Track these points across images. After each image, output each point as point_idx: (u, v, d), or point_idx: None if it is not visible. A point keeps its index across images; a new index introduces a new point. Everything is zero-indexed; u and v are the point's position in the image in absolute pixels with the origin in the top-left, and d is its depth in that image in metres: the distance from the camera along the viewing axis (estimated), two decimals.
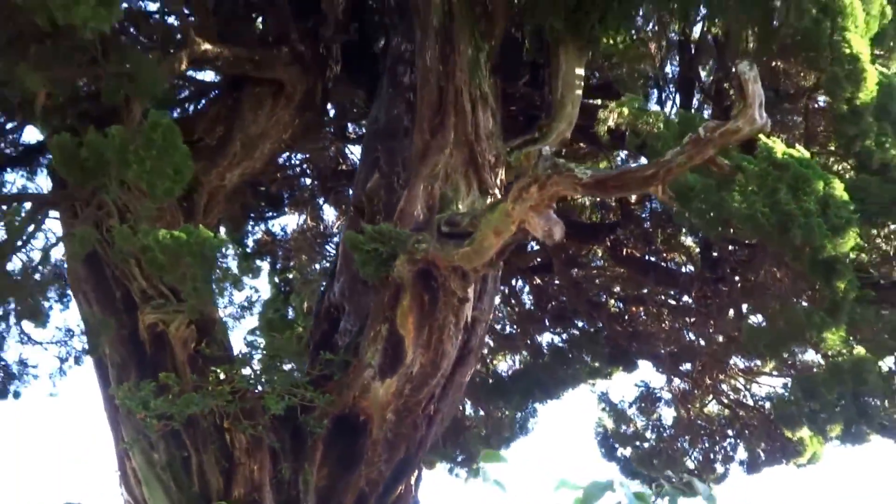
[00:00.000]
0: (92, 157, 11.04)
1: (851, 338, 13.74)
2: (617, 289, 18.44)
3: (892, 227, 14.18)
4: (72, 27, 9.75)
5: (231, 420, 11.68)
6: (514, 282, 19.20)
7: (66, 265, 13.64)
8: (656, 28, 15.15)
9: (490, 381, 18.81)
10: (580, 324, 18.54)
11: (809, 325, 13.12)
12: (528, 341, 19.18)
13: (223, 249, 11.24)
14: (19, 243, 12.94)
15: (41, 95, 11.34)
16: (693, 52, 15.21)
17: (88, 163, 11.11)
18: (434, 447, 16.90)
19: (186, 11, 13.80)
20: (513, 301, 19.63)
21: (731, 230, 12.91)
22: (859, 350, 13.71)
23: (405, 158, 13.34)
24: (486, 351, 19.34)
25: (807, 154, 12.55)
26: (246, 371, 12.21)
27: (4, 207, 13.14)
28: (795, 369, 15.02)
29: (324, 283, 15.41)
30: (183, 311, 11.87)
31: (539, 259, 18.28)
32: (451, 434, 18.03)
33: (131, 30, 13.43)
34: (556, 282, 18.49)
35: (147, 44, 13.13)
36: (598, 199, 14.74)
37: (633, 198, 15.94)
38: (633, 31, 14.42)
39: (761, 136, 12.52)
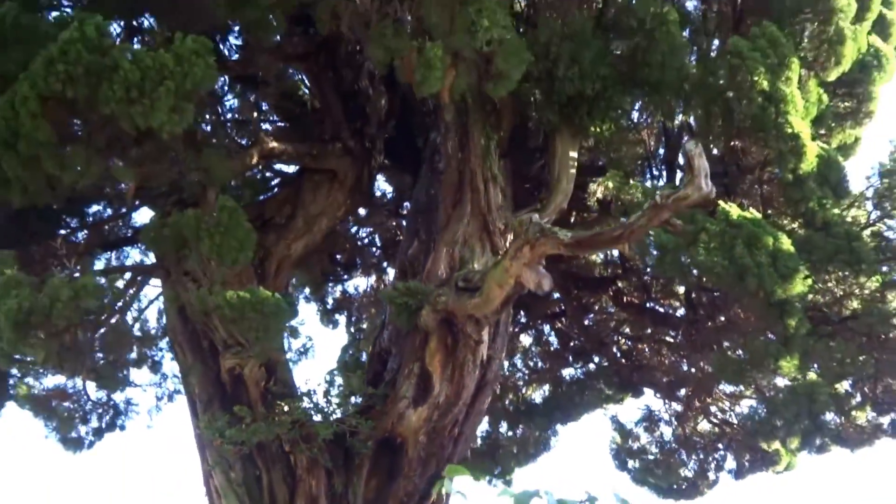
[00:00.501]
0: (174, 234, 11.54)
1: (807, 366, 13.91)
2: (625, 329, 18.52)
3: (840, 273, 14.17)
4: (153, 130, 10.21)
5: (292, 444, 12.16)
6: (541, 326, 19.41)
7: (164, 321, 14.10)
8: (644, 117, 15.32)
9: (521, 407, 18.99)
10: (596, 359, 18.71)
11: (767, 356, 13.33)
12: (554, 374, 19.32)
13: (281, 306, 11.58)
14: (121, 304, 13.45)
15: (132, 188, 11.83)
16: (675, 134, 15.38)
17: (172, 239, 11.61)
18: (474, 463, 17.26)
19: (256, 114, 14.02)
20: (541, 342, 19.83)
21: (700, 279, 13.21)
22: (811, 376, 13.83)
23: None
24: (520, 382, 19.64)
25: (759, 215, 12.83)
26: (305, 404, 12.63)
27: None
28: (768, 392, 15.05)
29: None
30: (254, 356, 12.18)
31: (560, 307, 18.53)
32: (489, 452, 18.31)
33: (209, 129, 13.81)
34: (574, 325, 18.68)
35: (224, 142, 13.44)
36: (585, 254, 14.72)
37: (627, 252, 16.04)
38: (621, 121, 14.43)
39: (720, 201, 12.90)
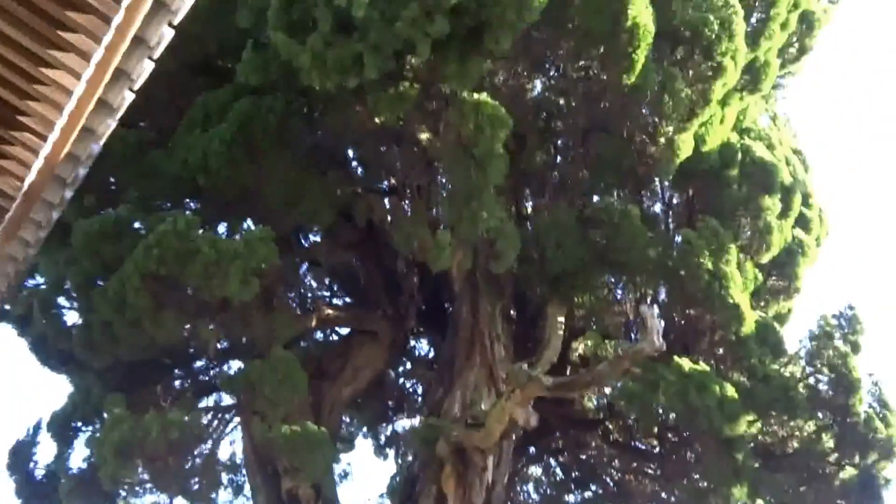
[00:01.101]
0: (245, 380, 12.00)
1: (756, 494, 13.90)
2: (614, 463, 18.31)
3: (781, 417, 14.20)
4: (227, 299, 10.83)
5: None
6: (548, 459, 19.23)
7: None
8: (620, 291, 15.55)
9: None
10: (592, 487, 18.48)
11: (721, 485, 13.41)
12: (560, 500, 19.03)
13: (324, 439, 11.88)
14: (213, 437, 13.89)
15: (213, 344, 12.37)
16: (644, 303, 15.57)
17: (244, 384, 12.06)
18: None
19: (314, 284, 14.47)
20: (549, 472, 19.63)
21: (661, 419, 13.39)
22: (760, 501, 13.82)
23: None
24: None
25: (707, 368, 13.09)
26: None
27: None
28: None
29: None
30: (306, 479, 12.38)
31: (560, 444, 18.47)
32: None
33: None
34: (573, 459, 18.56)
35: (288, 308, 13.81)
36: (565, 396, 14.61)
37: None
38: (599, 293, 14.72)
39: (675, 356, 13.20)
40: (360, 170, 12.66)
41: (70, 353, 12.58)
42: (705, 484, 14.43)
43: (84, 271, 11.58)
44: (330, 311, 14.24)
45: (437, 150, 11.72)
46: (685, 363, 12.90)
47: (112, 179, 12.09)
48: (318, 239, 13.90)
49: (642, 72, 11.41)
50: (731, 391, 12.76)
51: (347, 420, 18.49)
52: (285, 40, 10.07)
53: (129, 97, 6.31)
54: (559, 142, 14.41)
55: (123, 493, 13.34)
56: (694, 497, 14.48)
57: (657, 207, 15.21)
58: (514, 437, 13.62)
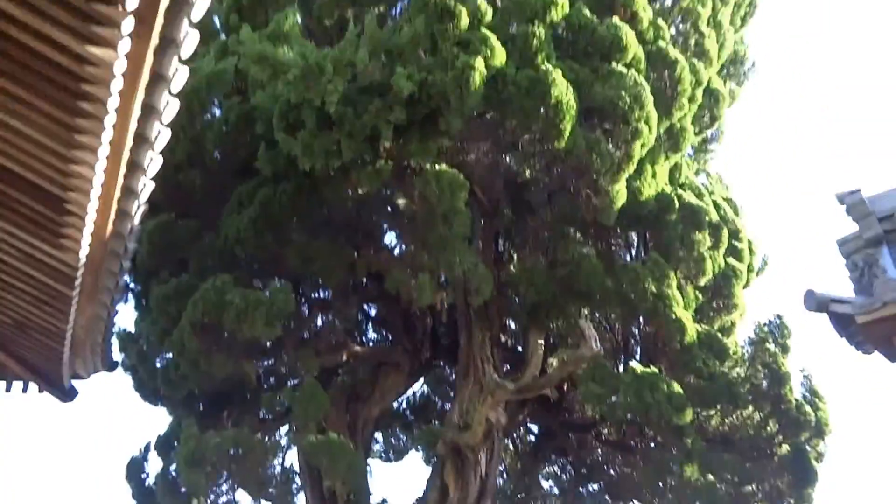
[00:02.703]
0: (282, 403, 12.26)
1: (707, 472, 13.48)
2: (611, 458, 17.72)
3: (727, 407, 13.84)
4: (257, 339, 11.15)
5: None
6: (558, 459, 18.64)
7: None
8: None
9: None
10: (600, 481, 17.86)
11: (675, 464, 13.06)
12: (574, 489, 18.29)
13: (346, 447, 11.99)
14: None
15: (253, 378, 12.63)
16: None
17: (282, 407, 12.32)
18: None
19: (343, 325, 14.52)
20: (564, 469, 18.96)
21: (621, 414, 13.09)
22: (710, 478, 13.36)
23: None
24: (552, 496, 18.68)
25: (655, 370, 12.87)
26: None
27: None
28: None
29: None
30: (337, 478, 12.34)
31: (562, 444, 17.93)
32: None
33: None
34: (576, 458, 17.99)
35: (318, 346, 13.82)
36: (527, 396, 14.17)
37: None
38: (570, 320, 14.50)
39: (630, 363, 13.02)
40: (357, 234, 12.78)
41: (160, 390, 13.08)
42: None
43: (159, 325, 12.09)
44: (358, 348, 14.38)
45: (412, 212, 11.95)
46: (638, 367, 12.80)
47: (180, 256, 12.55)
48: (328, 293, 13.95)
49: (571, 139, 11.52)
50: (677, 388, 12.58)
51: (403, 437, 18.29)
52: (283, 137, 10.59)
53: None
54: (530, 202, 14.49)
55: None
56: (653, 477, 14.12)
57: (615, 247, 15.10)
58: (500, 437, 13.50)
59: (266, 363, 13.29)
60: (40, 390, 9.71)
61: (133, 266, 12.54)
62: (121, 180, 6.42)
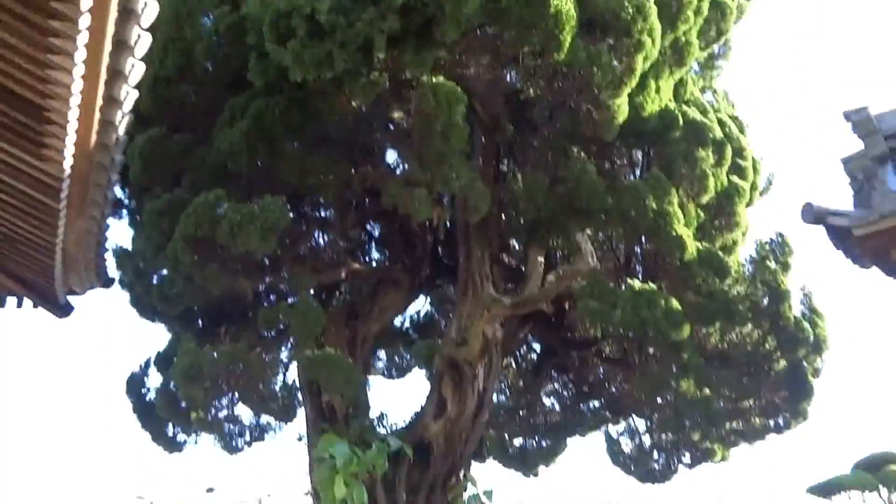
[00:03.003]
0: (284, 318, 12.34)
1: (702, 386, 13.66)
2: (611, 375, 17.89)
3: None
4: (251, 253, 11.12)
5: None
6: (560, 377, 18.85)
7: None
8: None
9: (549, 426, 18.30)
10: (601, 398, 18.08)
11: (672, 379, 13.21)
12: (575, 406, 18.54)
13: (342, 361, 12.10)
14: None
15: (249, 294, 12.67)
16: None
17: (274, 322, 12.40)
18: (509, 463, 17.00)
19: (342, 243, 14.45)
20: (566, 387, 19.17)
21: (620, 329, 13.15)
22: (706, 392, 13.55)
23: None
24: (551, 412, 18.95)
25: (654, 287, 12.88)
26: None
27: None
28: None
29: None
30: (335, 391, 12.58)
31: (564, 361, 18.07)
32: (519, 457, 17.77)
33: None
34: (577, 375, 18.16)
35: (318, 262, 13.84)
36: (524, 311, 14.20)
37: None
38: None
39: (629, 279, 13.02)
40: (355, 150, 12.61)
41: (157, 306, 13.15)
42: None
43: (153, 241, 12.07)
44: (357, 266, 14.39)
45: (410, 127, 11.77)
46: (637, 284, 12.79)
47: (173, 171, 12.43)
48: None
49: (571, 51, 11.23)
50: (675, 304, 12.61)
51: (406, 355, 18.31)
52: (274, 47, 10.34)
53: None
54: (532, 119, 14.24)
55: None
56: (651, 390, 14.32)
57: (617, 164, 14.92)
58: (498, 352, 13.60)
59: (266, 281, 13.25)
60: (35, 305, 9.77)
61: (126, 181, 12.51)
62: (101, 88, 6.31)
